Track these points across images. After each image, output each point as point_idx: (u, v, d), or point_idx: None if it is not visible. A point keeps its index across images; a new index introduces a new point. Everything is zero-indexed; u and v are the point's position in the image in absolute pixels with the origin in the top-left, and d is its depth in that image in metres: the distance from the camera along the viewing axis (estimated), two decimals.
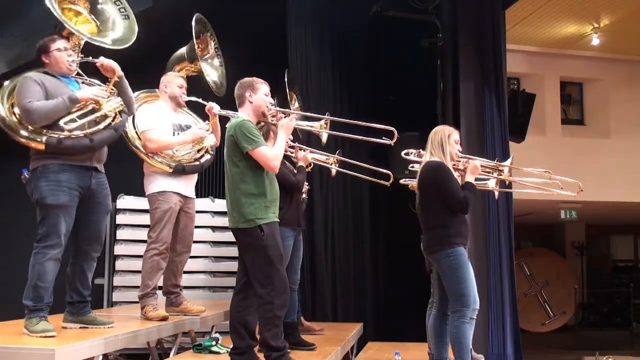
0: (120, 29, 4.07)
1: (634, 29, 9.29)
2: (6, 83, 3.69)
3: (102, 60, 3.67)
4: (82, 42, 3.85)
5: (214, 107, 4.32)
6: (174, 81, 4.58)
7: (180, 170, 4.44)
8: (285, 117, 3.78)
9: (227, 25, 6.77)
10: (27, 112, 3.40)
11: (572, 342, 12.01)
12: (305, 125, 4.46)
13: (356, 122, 3.95)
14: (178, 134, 4.51)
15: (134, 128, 4.46)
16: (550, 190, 4.88)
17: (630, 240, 15.86)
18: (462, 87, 6.44)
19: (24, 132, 3.46)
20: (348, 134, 4.30)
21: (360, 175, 5.40)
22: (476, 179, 4.30)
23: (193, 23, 4.92)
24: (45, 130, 3.44)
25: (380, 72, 7.32)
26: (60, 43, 3.65)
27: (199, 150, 4.58)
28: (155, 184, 4.43)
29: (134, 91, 4.66)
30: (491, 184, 4.70)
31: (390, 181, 5.12)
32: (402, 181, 5.14)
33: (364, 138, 4.02)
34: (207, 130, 4.53)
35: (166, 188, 4.43)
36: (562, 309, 13.18)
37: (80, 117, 3.52)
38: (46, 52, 3.62)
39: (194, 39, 4.90)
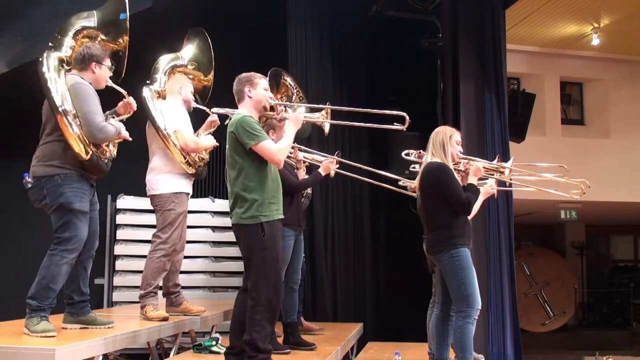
0: None
1: (634, 29, 9.30)
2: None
3: (130, 100, 3.78)
4: None
5: (218, 121, 4.47)
6: (188, 86, 4.64)
7: (199, 174, 4.55)
8: (286, 111, 3.80)
9: (226, 24, 6.79)
10: (95, 128, 3.51)
11: (572, 342, 12.02)
12: (307, 116, 4.47)
13: (365, 110, 3.97)
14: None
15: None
16: (554, 192, 4.92)
17: (630, 240, 15.86)
18: (462, 87, 6.44)
19: (79, 133, 3.50)
20: (352, 123, 4.32)
21: (359, 177, 5.42)
22: (483, 179, 4.32)
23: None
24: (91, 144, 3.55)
25: (380, 72, 7.32)
26: (109, 61, 3.72)
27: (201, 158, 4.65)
28: (173, 184, 4.44)
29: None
30: (490, 183, 4.71)
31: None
32: (401, 183, 5.13)
33: (374, 125, 4.04)
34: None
35: (182, 189, 4.47)
36: (562, 309, 13.18)
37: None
38: (100, 63, 3.67)
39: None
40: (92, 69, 3.66)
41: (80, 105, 3.52)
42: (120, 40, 3.98)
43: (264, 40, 6.89)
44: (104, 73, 3.69)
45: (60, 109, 3.47)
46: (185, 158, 4.42)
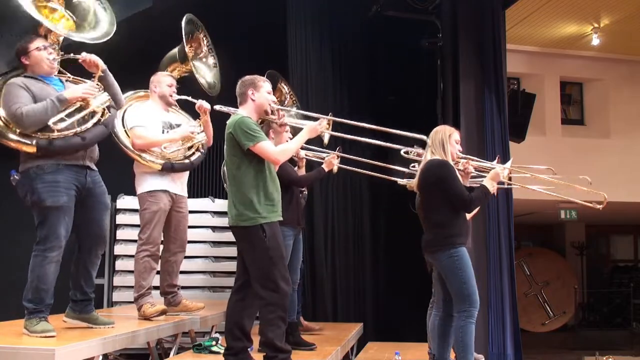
0: (100, 22, 3.95)
1: (634, 29, 9.30)
2: None
3: (84, 56, 3.59)
4: (61, 40, 3.76)
5: (203, 104, 4.38)
6: (163, 80, 4.57)
7: (168, 168, 4.41)
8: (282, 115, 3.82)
9: (226, 25, 6.78)
10: (17, 118, 3.33)
11: (572, 342, 12.01)
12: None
13: (386, 129, 3.98)
14: (167, 132, 4.49)
15: (123, 126, 4.45)
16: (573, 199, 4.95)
17: (630, 240, 15.85)
18: (462, 87, 6.44)
19: (12, 136, 3.41)
20: (351, 136, 4.34)
21: (362, 171, 5.43)
22: (475, 177, 4.33)
23: (183, 23, 4.94)
24: (34, 132, 3.38)
25: (380, 72, 7.32)
26: (38, 42, 3.57)
27: (189, 148, 4.55)
28: (145, 184, 4.41)
29: (130, 90, 4.70)
30: None
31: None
32: (400, 182, 5.13)
33: (391, 145, 4.11)
34: (198, 128, 4.52)
35: (156, 187, 4.40)
36: (562, 309, 13.18)
37: (69, 115, 3.44)
38: (25, 54, 3.54)
39: (184, 40, 4.91)
40: (23, 62, 3.56)
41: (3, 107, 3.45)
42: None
43: (264, 40, 6.89)
44: (35, 58, 3.54)
45: None
46: (139, 155, 4.33)
